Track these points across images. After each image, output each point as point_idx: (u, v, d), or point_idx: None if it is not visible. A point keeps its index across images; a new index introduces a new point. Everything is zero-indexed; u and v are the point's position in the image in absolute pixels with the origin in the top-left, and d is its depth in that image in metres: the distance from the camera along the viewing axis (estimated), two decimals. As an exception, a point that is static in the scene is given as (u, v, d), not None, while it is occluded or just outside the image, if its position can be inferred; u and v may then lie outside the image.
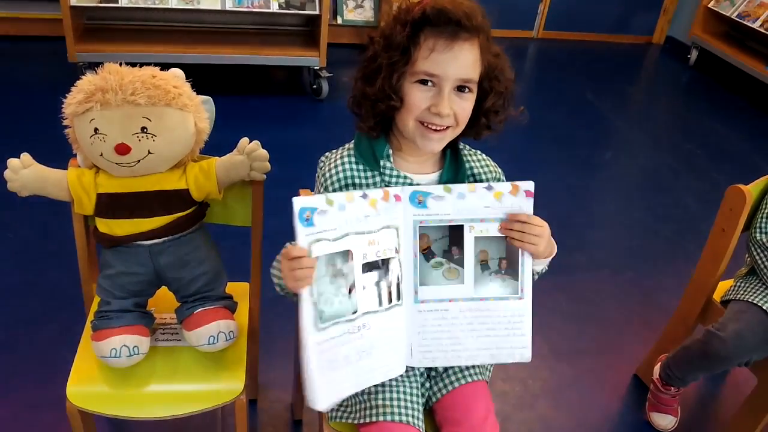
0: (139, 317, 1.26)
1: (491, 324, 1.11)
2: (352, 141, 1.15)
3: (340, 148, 1.16)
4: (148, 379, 1.25)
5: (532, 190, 1.07)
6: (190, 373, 1.27)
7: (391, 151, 1.12)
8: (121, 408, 1.21)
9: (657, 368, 1.78)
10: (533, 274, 1.12)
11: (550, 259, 1.13)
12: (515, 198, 1.07)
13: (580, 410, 1.82)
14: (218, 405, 1.24)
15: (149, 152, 1.17)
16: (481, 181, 1.15)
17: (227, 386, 1.25)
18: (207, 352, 1.28)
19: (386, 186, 1.10)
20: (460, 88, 1.04)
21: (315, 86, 3.40)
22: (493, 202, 1.07)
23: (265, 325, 1.53)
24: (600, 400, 1.86)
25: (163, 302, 1.35)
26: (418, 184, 1.11)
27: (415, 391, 1.15)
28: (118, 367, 1.22)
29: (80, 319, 1.36)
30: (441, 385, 1.17)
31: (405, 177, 1.11)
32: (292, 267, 0.98)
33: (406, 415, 1.11)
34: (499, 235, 1.08)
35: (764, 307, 1.49)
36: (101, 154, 1.16)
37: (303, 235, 0.99)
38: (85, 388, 1.22)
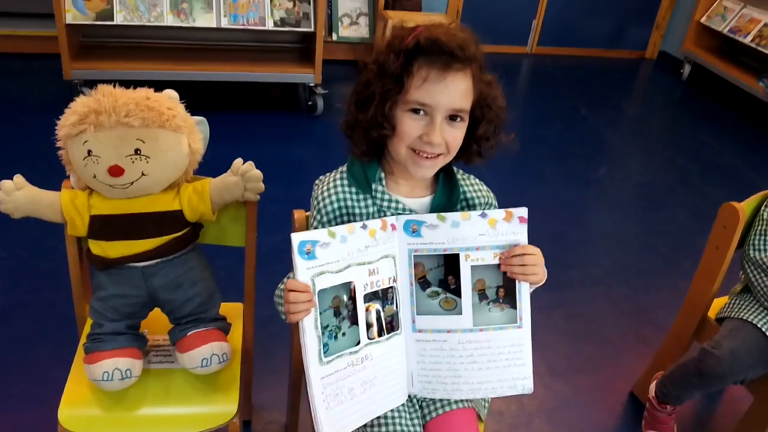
0: (131, 340, 1.25)
1: (491, 356, 1.10)
2: (346, 164, 1.15)
3: (334, 171, 1.16)
4: (141, 402, 1.24)
5: (526, 216, 1.07)
6: (183, 396, 1.26)
7: (383, 175, 1.13)
8: (114, 432, 1.20)
9: (653, 386, 1.77)
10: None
11: (542, 282, 1.13)
12: (509, 225, 1.06)
13: (577, 429, 1.81)
14: (212, 428, 1.22)
15: (143, 174, 1.17)
16: (474, 205, 1.15)
17: (221, 409, 1.24)
18: (200, 375, 1.27)
19: (378, 210, 1.11)
20: (452, 117, 1.04)
21: (310, 103, 3.41)
22: (488, 229, 1.06)
23: (259, 345, 1.52)
24: (596, 419, 1.85)
25: (157, 324, 1.35)
26: (410, 210, 1.11)
27: (415, 420, 1.14)
28: (111, 390, 1.21)
29: (73, 340, 1.36)
30: (427, 411, 1.15)
31: (397, 201, 1.11)
32: (289, 300, 0.98)
33: None
34: (496, 263, 1.07)
35: (759, 325, 1.49)
36: (95, 176, 1.16)
37: (304, 268, 0.98)
38: (77, 411, 1.20)
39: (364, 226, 1.04)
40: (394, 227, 1.07)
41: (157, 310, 1.31)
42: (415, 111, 1.03)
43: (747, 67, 4.29)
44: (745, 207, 1.54)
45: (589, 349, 2.10)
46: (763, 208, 1.56)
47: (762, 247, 1.53)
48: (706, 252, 1.63)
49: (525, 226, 1.07)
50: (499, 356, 1.10)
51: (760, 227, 1.55)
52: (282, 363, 1.65)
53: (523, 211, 1.07)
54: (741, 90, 4.17)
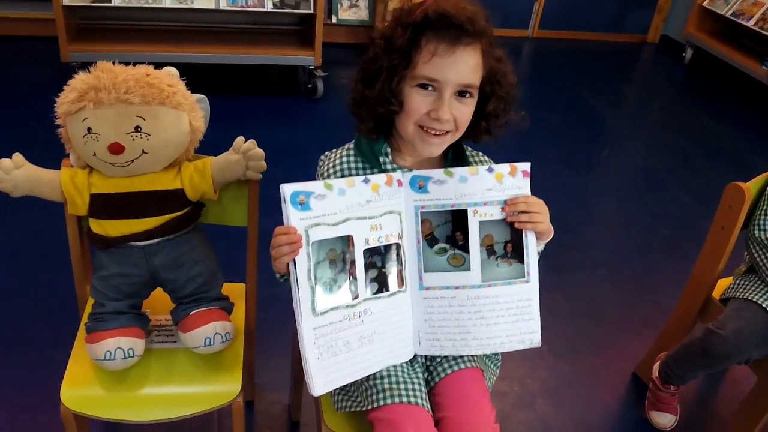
0: (133, 319, 1.25)
1: (499, 311, 1.10)
2: (353, 141, 1.14)
3: (340, 147, 1.15)
4: (144, 381, 1.23)
5: (529, 170, 1.08)
6: (186, 376, 1.25)
7: (389, 150, 1.11)
8: (117, 411, 1.19)
9: (656, 366, 1.77)
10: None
11: (549, 238, 1.12)
12: (514, 179, 1.07)
13: (580, 409, 1.81)
14: (215, 407, 1.22)
15: (143, 152, 1.15)
16: None
17: (224, 388, 1.24)
18: (203, 354, 1.26)
19: None
20: (461, 93, 1.03)
21: (310, 86, 3.38)
22: (495, 184, 1.06)
23: (261, 326, 1.51)
24: (599, 399, 1.85)
25: (159, 304, 1.34)
26: None
27: (420, 375, 1.14)
28: (113, 369, 1.20)
29: (74, 321, 1.35)
30: (436, 373, 1.15)
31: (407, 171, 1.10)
32: (275, 244, 0.98)
33: (414, 396, 1.09)
34: (503, 217, 1.07)
35: (764, 305, 1.48)
36: (94, 154, 1.14)
37: (297, 218, 0.98)
38: (80, 391, 1.20)
39: (366, 180, 1.03)
40: (400, 183, 1.06)
41: (159, 290, 1.30)
42: (423, 86, 1.01)
43: (750, 50, 4.25)
44: (750, 187, 1.53)
45: (592, 330, 2.09)
46: (768, 187, 1.55)
47: (767, 227, 1.52)
48: (711, 232, 1.62)
49: (528, 181, 1.08)
50: (508, 311, 1.10)
51: (765, 207, 1.54)
52: (284, 344, 1.65)
53: (526, 166, 1.08)
54: (743, 74, 4.14)
